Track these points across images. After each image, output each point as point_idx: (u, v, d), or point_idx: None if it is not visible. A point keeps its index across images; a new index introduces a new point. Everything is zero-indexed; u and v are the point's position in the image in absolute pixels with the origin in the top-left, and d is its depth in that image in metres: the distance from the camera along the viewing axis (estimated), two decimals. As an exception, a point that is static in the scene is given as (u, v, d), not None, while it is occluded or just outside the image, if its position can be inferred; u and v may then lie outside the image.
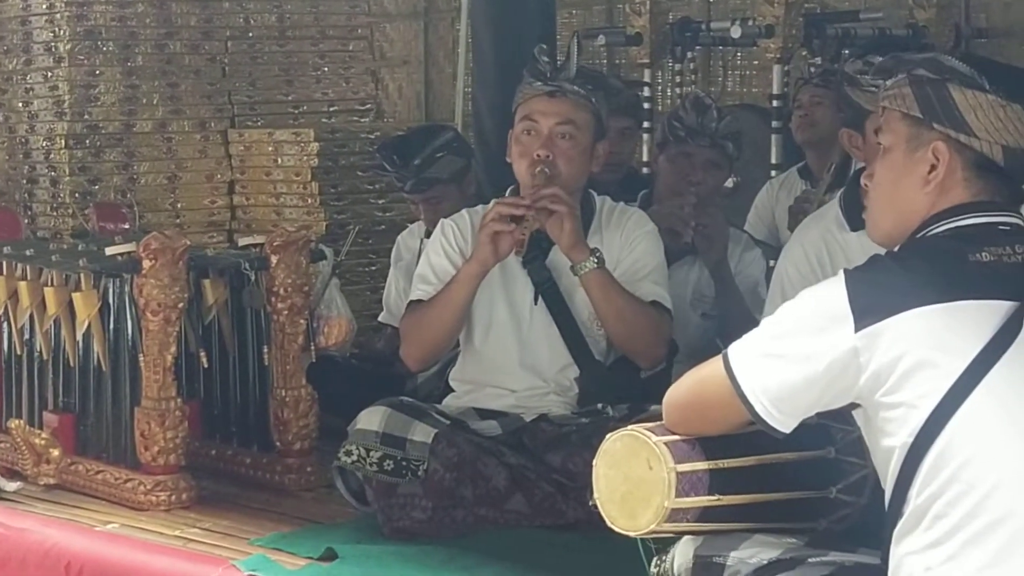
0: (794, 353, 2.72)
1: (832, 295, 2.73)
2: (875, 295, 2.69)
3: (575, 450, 3.95)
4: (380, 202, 7.01)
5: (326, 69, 7.43)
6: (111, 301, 4.48)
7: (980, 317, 2.67)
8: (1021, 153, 2.81)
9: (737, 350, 2.80)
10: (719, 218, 4.86)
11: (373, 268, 6.87)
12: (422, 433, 4.01)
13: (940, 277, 2.70)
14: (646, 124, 6.53)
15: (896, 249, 2.83)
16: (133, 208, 5.85)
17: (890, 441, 2.68)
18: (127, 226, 4.99)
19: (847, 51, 6.54)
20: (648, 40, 6.73)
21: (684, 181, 4.88)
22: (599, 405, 4.15)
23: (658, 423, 2.93)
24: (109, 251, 4.47)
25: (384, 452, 4.00)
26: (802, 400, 2.74)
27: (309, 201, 6.86)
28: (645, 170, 6.34)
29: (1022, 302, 2.67)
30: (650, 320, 4.13)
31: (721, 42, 7.02)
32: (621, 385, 4.17)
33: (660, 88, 7.61)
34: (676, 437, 2.87)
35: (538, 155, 4.10)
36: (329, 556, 3.83)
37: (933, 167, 2.81)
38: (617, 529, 2.87)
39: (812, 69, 6.46)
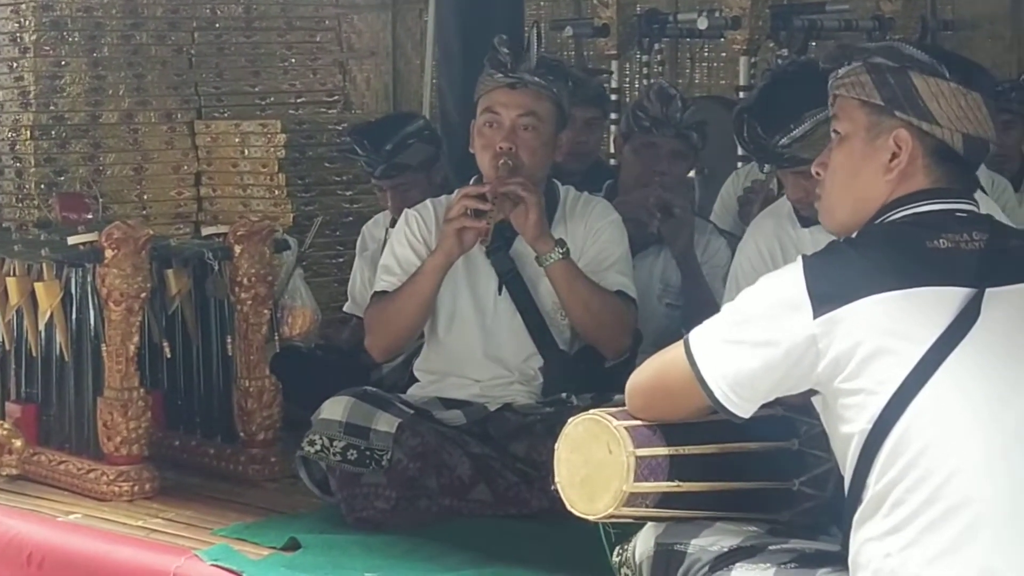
0: (753, 339, 2.72)
1: (790, 282, 2.72)
2: (833, 282, 2.69)
3: (539, 439, 3.95)
4: (347, 193, 6.99)
5: (293, 60, 7.40)
6: (73, 291, 4.47)
7: (938, 303, 2.67)
8: (980, 141, 2.81)
9: (697, 336, 2.80)
10: (684, 207, 4.87)
11: (340, 260, 6.85)
12: (386, 423, 4.01)
13: (898, 263, 2.70)
14: (613, 115, 6.54)
15: (854, 235, 2.83)
16: (96, 198, 5.83)
17: (849, 427, 2.68)
18: (90, 216, 4.98)
19: (814, 43, 6.58)
20: (615, 31, 6.74)
21: (649, 171, 4.89)
22: (563, 394, 4.15)
23: (621, 408, 2.93)
24: (71, 241, 4.45)
25: (348, 442, 4.00)
26: (761, 386, 2.74)
27: (276, 192, 6.84)
28: (613, 161, 6.34)
29: (979, 288, 2.68)
30: (615, 310, 4.13)
31: (688, 34, 7.05)
32: (585, 374, 4.18)
33: (628, 79, 7.61)
34: (637, 422, 2.87)
35: (501, 147, 4.09)
36: (292, 546, 3.83)
37: (895, 155, 2.80)
38: (576, 513, 2.88)
39: (779, 61, 6.47)
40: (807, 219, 3.84)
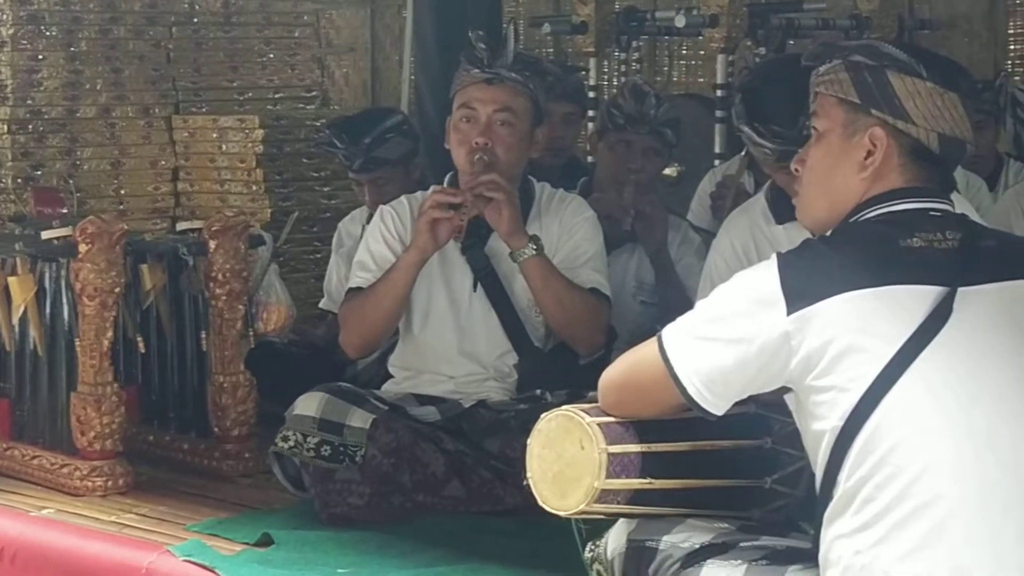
0: (727, 336, 2.73)
1: (764, 279, 2.73)
2: (807, 279, 2.70)
3: (513, 436, 3.94)
4: (325, 189, 6.97)
5: (272, 56, 7.38)
6: (47, 286, 4.47)
7: (910, 302, 2.68)
8: (955, 141, 2.83)
9: (671, 332, 2.81)
10: (659, 204, 4.87)
11: (318, 256, 6.82)
12: (360, 419, 4.01)
13: (871, 262, 2.71)
14: (591, 113, 6.53)
15: (828, 233, 2.84)
16: (72, 193, 5.81)
17: (820, 425, 2.69)
18: (65, 211, 4.96)
19: (791, 41, 6.59)
20: (594, 29, 6.72)
21: (624, 168, 4.90)
22: (537, 391, 4.15)
23: (594, 405, 2.93)
24: (45, 235, 4.45)
25: (321, 438, 4.01)
26: (734, 383, 2.75)
27: (254, 188, 6.82)
28: (590, 159, 6.34)
29: (952, 287, 2.68)
30: (589, 307, 4.13)
31: (666, 31, 7.05)
32: (560, 371, 4.17)
33: (607, 77, 7.61)
34: (610, 419, 2.88)
35: (476, 142, 4.09)
36: (265, 542, 3.83)
37: (870, 153, 2.81)
38: (548, 509, 2.88)
39: (757, 59, 6.48)
40: (782, 216, 3.84)
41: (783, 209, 3.80)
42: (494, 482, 4.03)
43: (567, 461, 2.85)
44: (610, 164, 4.96)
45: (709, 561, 2.82)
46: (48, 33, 6.74)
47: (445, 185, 4.23)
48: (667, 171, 6.10)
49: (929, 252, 2.72)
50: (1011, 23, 7.60)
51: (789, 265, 2.73)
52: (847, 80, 2.84)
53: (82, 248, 4.28)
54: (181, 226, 4.90)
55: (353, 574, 3.63)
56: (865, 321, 2.66)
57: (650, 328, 4.46)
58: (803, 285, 2.69)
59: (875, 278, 2.68)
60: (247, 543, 3.83)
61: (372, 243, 4.24)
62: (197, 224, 4.70)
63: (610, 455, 2.81)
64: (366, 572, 3.64)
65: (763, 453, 3.04)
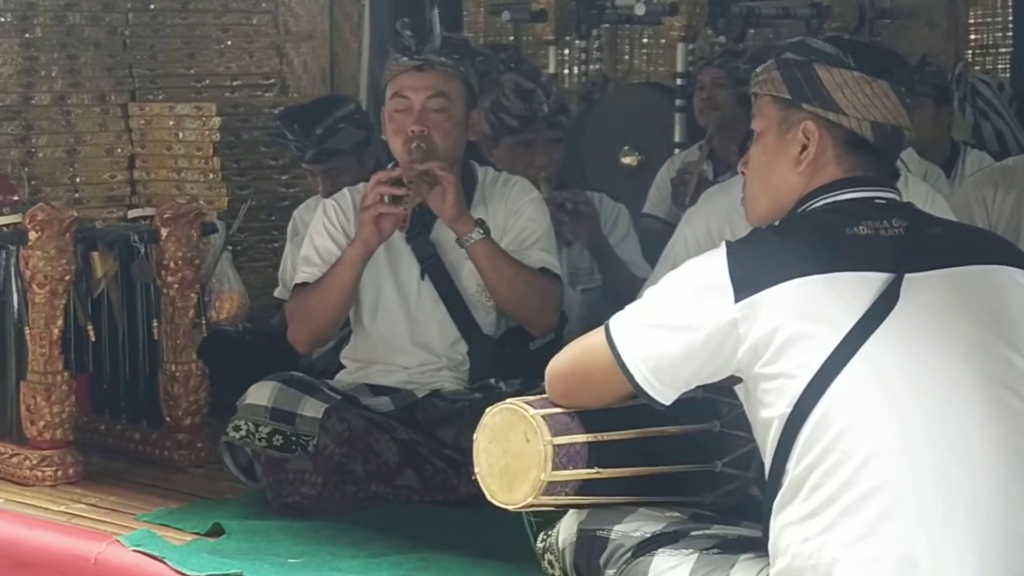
0: (674, 323, 2.72)
1: (713, 266, 2.73)
2: (754, 267, 2.70)
3: (467, 425, 3.88)
4: (283, 178, 6.93)
5: (229, 43, 7.33)
6: (-4, 273, 4.42)
7: (857, 288, 2.68)
8: (889, 129, 2.85)
9: (618, 320, 2.80)
10: (581, 195, 4.87)
11: (275, 244, 6.78)
12: (312, 408, 3.99)
13: (818, 249, 2.71)
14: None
15: (776, 223, 2.84)
16: (23, 180, 5.77)
17: (768, 412, 2.68)
18: (16, 198, 4.92)
19: (752, 30, 6.60)
20: (553, 17, 6.73)
21: (532, 168, 4.84)
22: (492, 380, 4.13)
23: (541, 396, 2.93)
24: (-6, 222, 4.41)
25: (273, 427, 3.98)
26: (682, 371, 2.74)
27: (211, 176, 6.77)
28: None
29: (899, 274, 2.68)
30: (540, 287, 4.10)
31: (627, 20, 7.05)
32: (510, 358, 4.16)
33: (568, 65, 7.60)
34: (555, 410, 2.87)
35: (412, 131, 4.04)
36: (216, 532, 3.81)
37: (804, 147, 2.85)
38: (496, 503, 2.87)
39: (717, 48, 6.48)
40: None
41: None
42: (447, 471, 4.02)
43: (513, 455, 2.85)
44: (514, 167, 4.78)
45: (660, 550, 2.81)
46: (2, 19, 6.69)
47: None
48: (627, 160, 6.11)
49: (875, 239, 2.73)
50: (971, 13, 7.63)
51: (737, 253, 2.73)
52: (778, 78, 2.88)
53: (32, 235, 4.25)
54: (133, 213, 4.87)
55: (305, 564, 3.60)
56: (812, 308, 2.66)
57: (596, 313, 4.48)
58: (751, 273, 2.69)
59: (822, 265, 2.69)
60: (198, 533, 3.81)
61: (316, 237, 4.20)
62: (149, 211, 4.67)
63: (555, 447, 2.81)
64: (318, 562, 3.62)
65: (712, 437, 3.05)
